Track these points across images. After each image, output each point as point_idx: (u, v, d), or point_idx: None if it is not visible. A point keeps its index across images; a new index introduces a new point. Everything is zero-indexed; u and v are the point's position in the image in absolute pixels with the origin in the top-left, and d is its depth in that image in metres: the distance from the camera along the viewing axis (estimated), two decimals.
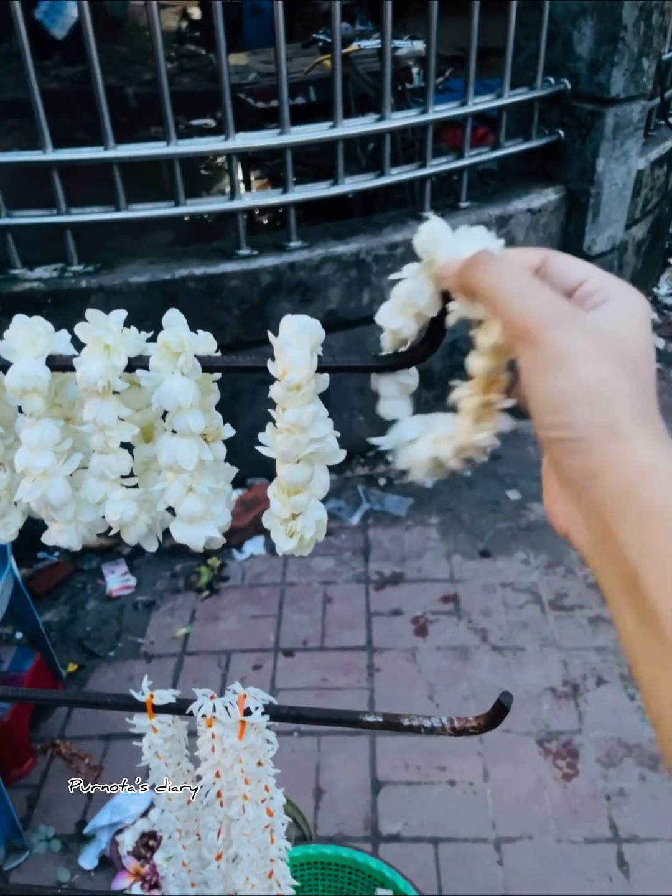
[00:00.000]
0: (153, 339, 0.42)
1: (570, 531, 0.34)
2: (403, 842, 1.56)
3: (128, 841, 1.51)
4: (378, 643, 1.98)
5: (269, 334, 0.39)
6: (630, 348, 0.33)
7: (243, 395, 2.22)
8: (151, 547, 0.47)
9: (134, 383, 0.42)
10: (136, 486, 0.46)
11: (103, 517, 0.46)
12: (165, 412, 0.43)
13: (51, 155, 1.86)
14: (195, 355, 0.41)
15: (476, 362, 0.36)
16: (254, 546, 2.30)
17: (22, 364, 0.42)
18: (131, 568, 2.24)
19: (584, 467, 0.31)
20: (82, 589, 2.19)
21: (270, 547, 2.28)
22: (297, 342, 0.39)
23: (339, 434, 0.44)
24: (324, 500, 0.44)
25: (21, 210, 1.95)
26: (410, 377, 0.43)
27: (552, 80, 2.42)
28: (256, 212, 3.92)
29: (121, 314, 0.40)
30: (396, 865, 1.21)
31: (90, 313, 0.40)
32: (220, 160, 4.70)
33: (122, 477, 0.45)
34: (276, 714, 0.52)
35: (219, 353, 0.42)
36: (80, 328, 0.40)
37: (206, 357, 0.41)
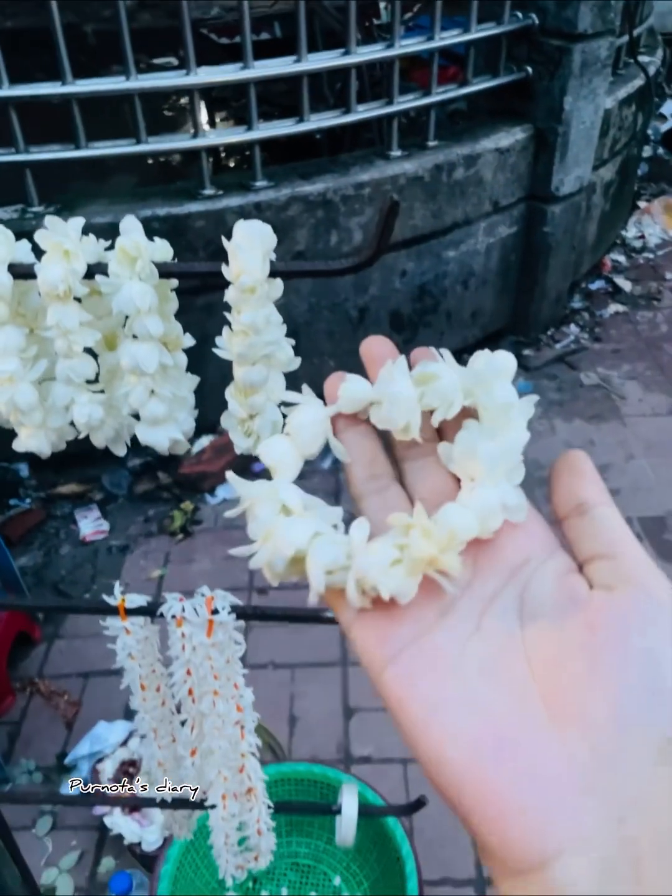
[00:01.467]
0: (111, 248, 0.43)
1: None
2: (374, 763, 1.63)
3: (108, 769, 1.56)
4: None
5: (223, 238, 0.41)
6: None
7: (214, 339, 2.22)
8: (120, 451, 0.49)
9: (94, 291, 0.44)
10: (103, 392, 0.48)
11: (71, 425, 0.48)
12: (127, 320, 0.45)
13: (6, 91, 1.81)
14: (152, 262, 0.42)
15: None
16: (227, 491, 2.33)
17: None
18: (104, 513, 2.26)
19: None
20: (56, 534, 2.21)
21: None
22: (249, 246, 0.41)
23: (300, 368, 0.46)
24: None
25: None
26: None
27: (520, 15, 2.39)
28: (223, 153, 3.85)
29: (79, 221, 0.42)
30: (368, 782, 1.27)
31: (49, 220, 0.41)
32: (183, 101, 4.57)
33: (89, 383, 0.47)
34: (241, 612, 0.55)
35: (175, 260, 0.44)
36: (39, 235, 0.41)
37: (163, 263, 0.43)
